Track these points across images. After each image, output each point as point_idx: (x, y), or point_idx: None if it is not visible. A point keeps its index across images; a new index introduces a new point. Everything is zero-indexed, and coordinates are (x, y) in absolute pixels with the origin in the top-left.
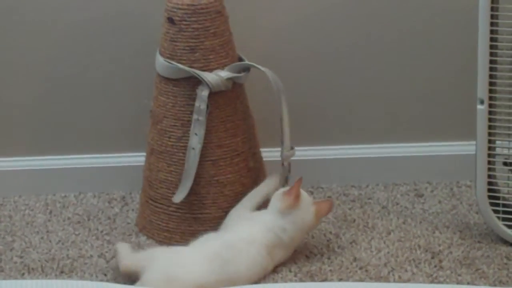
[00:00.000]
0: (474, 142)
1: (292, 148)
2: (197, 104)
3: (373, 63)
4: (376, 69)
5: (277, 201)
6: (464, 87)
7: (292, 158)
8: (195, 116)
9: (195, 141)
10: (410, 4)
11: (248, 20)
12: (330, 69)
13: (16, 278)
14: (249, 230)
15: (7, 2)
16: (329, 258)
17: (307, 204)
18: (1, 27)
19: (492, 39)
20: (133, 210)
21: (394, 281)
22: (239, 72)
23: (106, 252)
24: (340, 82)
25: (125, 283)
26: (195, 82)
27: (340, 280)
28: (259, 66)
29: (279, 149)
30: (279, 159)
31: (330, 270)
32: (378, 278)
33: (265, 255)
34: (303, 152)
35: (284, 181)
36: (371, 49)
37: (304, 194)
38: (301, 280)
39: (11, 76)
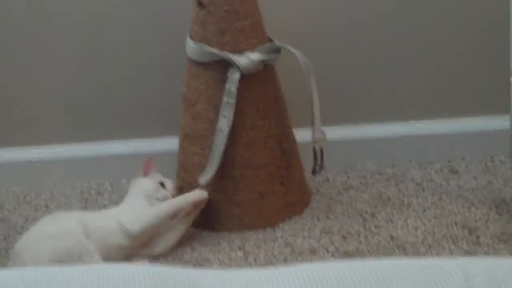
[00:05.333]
0: (507, 116)
1: (323, 133)
2: (227, 86)
3: (408, 38)
4: (409, 44)
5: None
6: (496, 60)
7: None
8: (225, 99)
9: (223, 123)
10: None
11: (277, 1)
12: (363, 49)
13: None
14: None
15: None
16: (366, 238)
17: None
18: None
19: None
20: None
21: None
22: (269, 53)
23: None
24: (373, 61)
25: None
26: (226, 64)
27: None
28: (290, 47)
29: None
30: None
31: (368, 250)
32: (417, 256)
33: None
34: (336, 132)
35: (316, 165)
36: (404, 23)
37: None
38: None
39: (47, 63)
